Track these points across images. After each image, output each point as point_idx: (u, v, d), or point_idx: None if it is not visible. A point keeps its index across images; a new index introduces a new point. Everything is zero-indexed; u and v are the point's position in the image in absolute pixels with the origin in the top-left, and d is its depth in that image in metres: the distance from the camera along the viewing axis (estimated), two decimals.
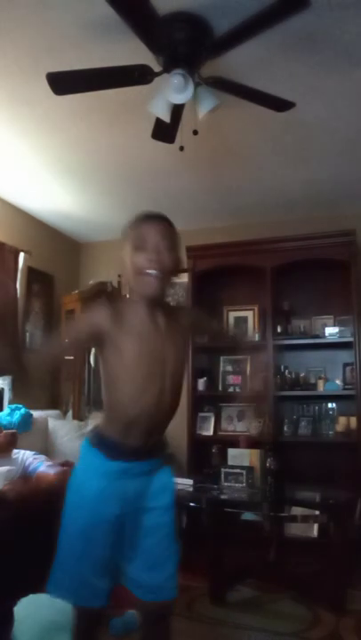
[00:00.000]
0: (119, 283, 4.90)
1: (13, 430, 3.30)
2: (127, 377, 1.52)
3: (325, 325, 4.11)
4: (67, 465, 3.12)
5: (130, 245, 1.55)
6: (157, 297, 1.57)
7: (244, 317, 4.47)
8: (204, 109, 2.46)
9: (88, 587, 1.52)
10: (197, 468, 3.77)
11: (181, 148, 2.64)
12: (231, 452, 3.46)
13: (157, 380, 1.54)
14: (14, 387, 3.86)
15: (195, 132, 2.50)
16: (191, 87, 2.28)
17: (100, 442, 1.58)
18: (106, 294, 4.33)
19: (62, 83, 2.41)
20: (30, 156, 3.47)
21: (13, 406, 3.63)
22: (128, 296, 1.62)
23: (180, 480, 3.30)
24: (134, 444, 1.54)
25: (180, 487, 3.27)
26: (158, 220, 1.60)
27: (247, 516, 3.34)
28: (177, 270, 1.61)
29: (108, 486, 1.53)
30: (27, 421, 3.59)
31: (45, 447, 3.76)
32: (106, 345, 1.52)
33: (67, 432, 3.90)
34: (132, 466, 1.55)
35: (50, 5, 2.16)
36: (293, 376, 4.11)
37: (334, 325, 4.06)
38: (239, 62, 2.46)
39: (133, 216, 1.60)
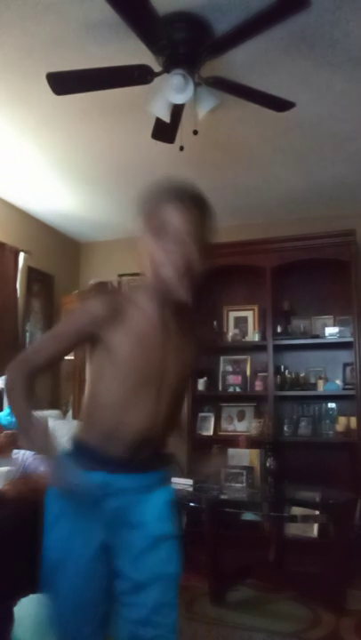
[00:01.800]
0: (119, 283, 4.90)
1: (13, 430, 3.29)
2: (116, 383, 1.27)
3: (325, 325, 4.11)
4: None
5: (148, 229, 1.23)
6: (178, 298, 1.26)
7: (244, 317, 4.47)
8: (204, 109, 2.46)
9: None
10: (197, 467, 3.77)
11: (181, 148, 2.64)
12: (231, 452, 3.46)
13: (152, 392, 1.28)
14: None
15: (195, 132, 2.50)
16: (191, 87, 2.28)
17: (75, 450, 1.31)
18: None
19: (62, 83, 2.41)
20: (30, 156, 3.47)
21: None
22: (141, 288, 1.32)
23: (180, 480, 3.30)
24: (118, 454, 1.27)
25: (180, 487, 3.27)
26: (191, 199, 1.26)
27: (247, 516, 3.34)
28: (208, 265, 1.29)
29: (84, 514, 1.26)
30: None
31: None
32: (98, 343, 1.27)
33: (67, 432, 3.88)
34: (117, 479, 1.26)
35: (50, 5, 2.16)
36: (293, 376, 4.11)
37: (334, 325, 4.06)
38: (239, 62, 2.46)
39: (156, 185, 1.26)
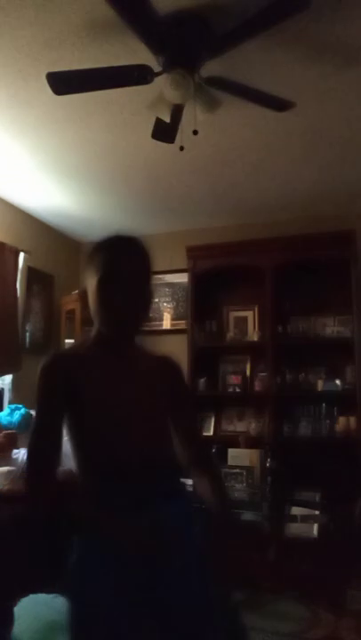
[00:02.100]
0: None
1: (12, 431, 3.29)
2: (93, 426, 1.26)
3: (325, 325, 4.11)
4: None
5: (92, 274, 1.26)
6: (126, 337, 1.30)
7: (244, 317, 4.47)
8: (204, 109, 2.46)
9: None
10: None
11: (181, 148, 2.63)
12: (231, 452, 3.47)
13: (127, 424, 1.25)
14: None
15: (195, 132, 2.50)
16: (191, 87, 2.28)
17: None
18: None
19: (62, 83, 2.41)
20: (30, 156, 3.47)
21: (13, 406, 3.62)
22: (92, 333, 1.34)
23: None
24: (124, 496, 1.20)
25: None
26: (128, 244, 1.31)
27: (247, 516, 3.34)
28: (149, 306, 1.32)
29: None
30: (27, 421, 3.58)
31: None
32: (68, 399, 1.25)
33: (67, 432, 3.90)
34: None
35: (50, 5, 2.16)
36: (293, 376, 4.11)
37: (334, 325, 4.06)
38: (239, 62, 2.46)
39: (99, 238, 1.34)
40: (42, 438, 1.26)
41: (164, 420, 1.34)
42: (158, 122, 2.67)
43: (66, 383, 1.24)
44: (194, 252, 4.35)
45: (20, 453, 3.26)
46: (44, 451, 1.25)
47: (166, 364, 1.42)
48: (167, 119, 2.52)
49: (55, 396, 1.25)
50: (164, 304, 4.82)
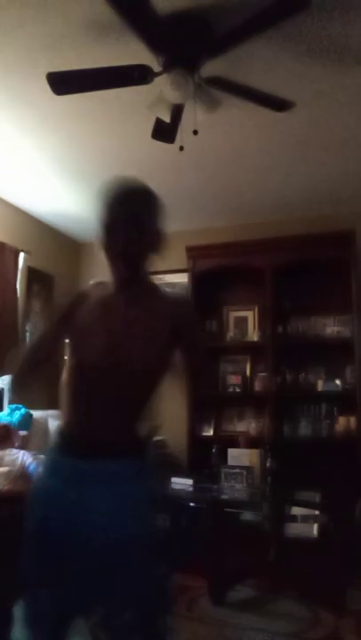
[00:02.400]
0: None
1: (6, 424, 3.29)
2: (77, 355, 1.35)
3: (325, 325, 4.11)
4: None
5: (99, 223, 1.34)
6: (127, 278, 1.36)
7: (244, 317, 4.47)
8: (204, 109, 2.46)
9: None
10: (197, 468, 3.77)
11: (181, 148, 2.64)
12: (231, 452, 3.47)
13: (110, 362, 1.30)
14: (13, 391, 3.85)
15: (195, 132, 2.50)
16: (191, 87, 2.28)
17: (55, 439, 1.41)
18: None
19: (62, 83, 2.41)
20: (30, 156, 3.47)
21: (13, 406, 3.62)
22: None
23: (180, 480, 3.30)
24: (82, 435, 1.32)
25: (179, 487, 3.27)
26: (129, 190, 1.40)
27: (247, 516, 3.34)
28: (158, 246, 1.37)
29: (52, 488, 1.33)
30: (27, 421, 3.58)
31: (45, 447, 3.76)
32: (68, 327, 1.37)
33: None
34: (79, 464, 1.28)
35: (50, 5, 2.16)
36: (293, 376, 4.11)
37: (334, 325, 4.06)
38: (239, 62, 2.46)
39: (103, 187, 1.40)
40: (37, 342, 1.47)
41: (146, 362, 1.35)
42: (158, 122, 2.67)
43: (70, 310, 1.37)
44: (194, 252, 4.35)
45: (20, 453, 3.26)
46: (35, 352, 1.42)
47: (175, 305, 1.45)
48: (167, 119, 2.52)
49: (58, 316, 1.43)
50: None
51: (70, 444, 1.33)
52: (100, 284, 1.41)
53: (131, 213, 1.32)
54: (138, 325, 1.33)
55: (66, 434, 1.36)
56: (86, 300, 1.38)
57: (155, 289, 1.44)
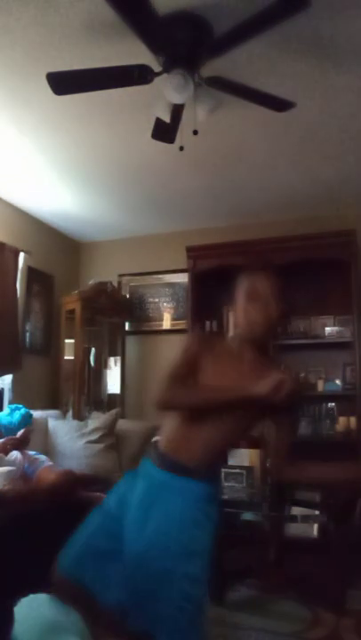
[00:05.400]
0: (119, 283, 4.90)
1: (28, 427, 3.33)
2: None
3: (325, 325, 4.11)
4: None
5: (242, 294, 1.72)
6: (256, 338, 1.68)
7: None
8: (204, 109, 2.46)
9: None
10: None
11: (181, 148, 2.63)
12: (231, 452, 3.45)
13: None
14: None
15: (195, 132, 2.50)
16: (191, 87, 2.28)
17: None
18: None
19: (62, 83, 2.41)
20: (30, 157, 3.47)
21: (13, 406, 3.62)
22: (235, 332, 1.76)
23: None
24: (175, 456, 1.60)
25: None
26: (267, 274, 1.81)
27: (247, 516, 3.34)
28: (281, 319, 1.74)
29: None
30: (27, 421, 3.58)
31: (45, 447, 3.76)
32: (196, 367, 1.64)
33: (67, 432, 3.90)
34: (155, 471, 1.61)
35: (50, 5, 2.16)
36: (293, 376, 4.11)
37: (334, 325, 4.06)
38: (239, 62, 2.46)
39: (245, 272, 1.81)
40: (174, 375, 1.65)
41: (245, 416, 1.62)
42: (158, 122, 2.67)
43: (198, 352, 1.65)
44: (194, 252, 4.34)
45: (20, 454, 3.26)
46: (173, 384, 1.64)
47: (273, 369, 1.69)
48: (167, 119, 2.52)
49: (188, 356, 1.66)
50: (164, 304, 4.82)
51: (163, 459, 1.61)
52: (219, 335, 1.67)
53: (273, 292, 1.72)
54: (250, 382, 1.54)
55: (161, 451, 1.63)
56: (210, 345, 1.68)
57: (274, 363, 1.74)
